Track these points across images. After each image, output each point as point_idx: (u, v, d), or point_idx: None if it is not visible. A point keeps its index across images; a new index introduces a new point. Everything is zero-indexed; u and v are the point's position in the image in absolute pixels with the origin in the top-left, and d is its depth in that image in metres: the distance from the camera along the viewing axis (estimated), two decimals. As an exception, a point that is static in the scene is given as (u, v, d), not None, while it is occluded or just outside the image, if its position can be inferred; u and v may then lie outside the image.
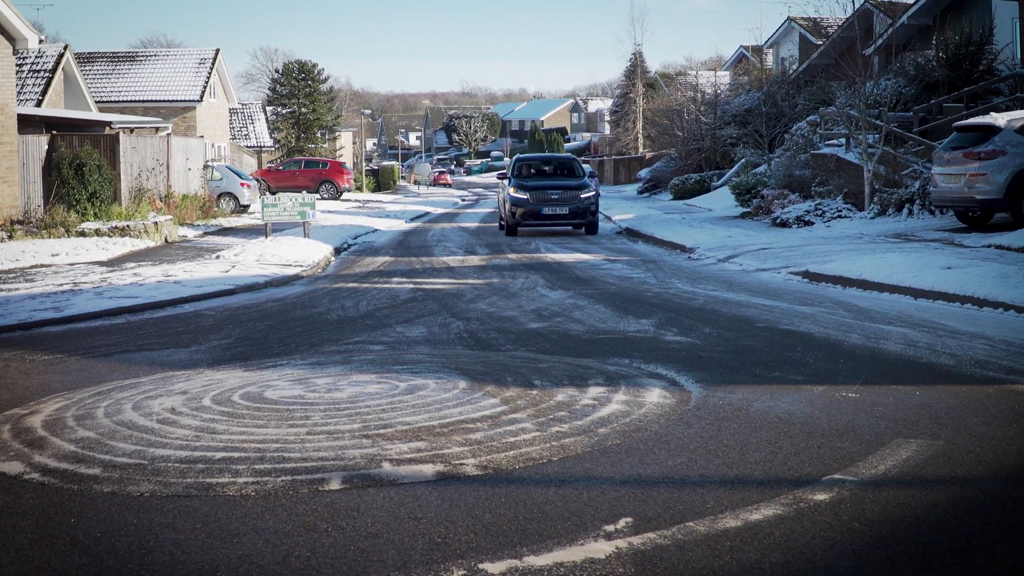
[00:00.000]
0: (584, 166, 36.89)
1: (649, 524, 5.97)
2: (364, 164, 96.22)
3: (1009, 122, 23.22)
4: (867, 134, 30.15)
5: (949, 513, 6.10)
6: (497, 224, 38.96)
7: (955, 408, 8.66)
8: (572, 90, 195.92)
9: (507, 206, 33.18)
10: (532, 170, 35.94)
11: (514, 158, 36.88)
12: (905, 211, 27.73)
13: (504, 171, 37.16)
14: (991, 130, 23.23)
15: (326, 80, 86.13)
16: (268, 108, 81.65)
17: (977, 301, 14.41)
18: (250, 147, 73.39)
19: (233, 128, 70.95)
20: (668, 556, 5.51)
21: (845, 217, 29.27)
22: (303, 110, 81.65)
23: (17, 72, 37.34)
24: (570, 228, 34.47)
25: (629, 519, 6.05)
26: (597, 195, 34.16)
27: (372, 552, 5.67)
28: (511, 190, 32.94)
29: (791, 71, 54.37)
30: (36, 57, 41.79)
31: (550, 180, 33.86)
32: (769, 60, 63.64)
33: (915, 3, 40.08)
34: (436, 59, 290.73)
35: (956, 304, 14.61)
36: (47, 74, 41.19)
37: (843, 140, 33.37)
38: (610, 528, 5.92)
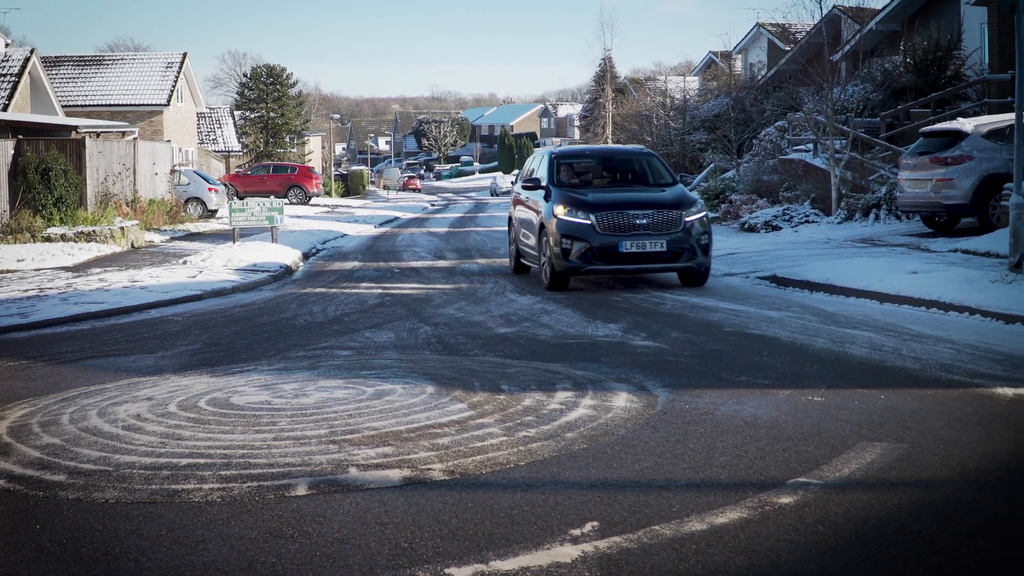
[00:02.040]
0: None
1: (615, 528, 5.98)
2: (333, 169, 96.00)
3: (976, 127, 23.35)
4: (834, 139, 30.28)
5: (913, 516, 6.13)
6: (509, 261, 22.91)
7: (920, 412, 8.70)
8: (542, 95, 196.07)
9: (551, 237, 18.14)
10: (582, 173, 20.59)
11: (546, 152, 20.95)
12: (872, 216, 27.84)
13: (531, 177, 20.48)
14: (958, 135, 23.36)
15: (295, 84, 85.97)
16: (236, 112, 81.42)
17: (943, 305, 14.48)
18: (218, 152, 73.13)
19: (201, 132, 70.71)
20: (634, 560, 5.52)
21: (812, 222, 29.37)
22: (271, 114, 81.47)
23: (-17, 76, 37.19)
24: (663, 272, 19.02)
25: (595, 523, 6.06)
26: (706, 217, 18.44)
27: (338, 558, 5.66)
28: (557, 209, 18.19)
29: (760, 77, 54.54)
30: (2, 61, 41.56)
31: (622, 191, 19.09)
32: (738, 66, 63.84)
33: (883, 9, 40.26)
34: (406, 64, 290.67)
35: (922, 308, 14.67)
36: (13, 78, 40.95)
37: (811, 145, 33.47)
38: (576, 532, 5.93)
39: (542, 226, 18.54)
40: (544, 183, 19.37)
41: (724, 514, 6.18)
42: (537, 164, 20.99)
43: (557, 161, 20.04)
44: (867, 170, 30.35)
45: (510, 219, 22.05)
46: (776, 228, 29.68)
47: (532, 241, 19.59)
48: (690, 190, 25.58)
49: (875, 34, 40.62)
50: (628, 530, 5.94)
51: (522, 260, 21.19)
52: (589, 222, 17.62)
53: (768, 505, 6.34)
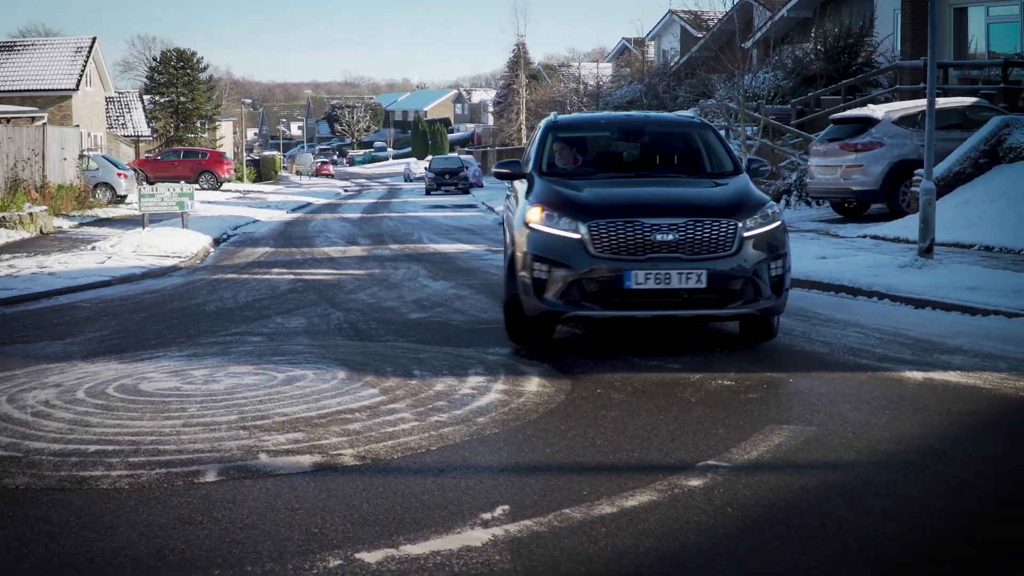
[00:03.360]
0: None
1: (526, 512, 6.01)
2: (245, 154, 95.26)
3: (887, 113, 23.66)
4: (745, 126, 30.55)
5: (821, 497, 6.22)
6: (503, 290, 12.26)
7: (828, 395, 8.83)
8: (456, 80, 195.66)
9: (519, 258, 11.09)
10: (593, 153, 13.57)
11: (544, 122, 13.67)
12: (783, 202, 28.13)
13: (509, 161, 12.96)
14: (868, 122, 23.65)
15: (205, 69, 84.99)
16: (146, 97, 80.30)
17: (852, 290, 14.68)
18: (127, 136, 72.17)
19: (110, 117, 69.74)
20: (544, 542, 5.55)
21: (724, 208, 29.61)
22: (182, 99, 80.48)
23: None
24: (703, 321, 12.02)
25: (506, 507, 6.09)
26: (781, 230, 10.99)
27: (248, 543, 5.63)
28: (531, 212, 11.08)
29: (672, 63, 54.88)
30: (-90, 46, 40.82)
31: (645, 184, 11.98)
32: (651, 52, 64.20)
33: (795, -4, 40.66)
34: (318, 49, 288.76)
35: (831, 293, 14.86)
36: (-77, 64, 40.24)
37: (723, 132, 33.75)
38: (487, 516, 5.95)
39: (514, 240, 11.46)
40: (530, 168, 12.39)
41: (634, 497, 6.23)
42: (532, 138, 13.62)
43: (553, 133, 12.96)
44: (778, 156, 30.68)
45: (503, 223, 14.49)
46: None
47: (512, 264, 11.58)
48: None
49: (787, 21, 41.05)
50: (538, 513, 5.97)
51: (510, 293, 11.55)
52: (577, 236, 10.46)
53: (677, 488, 6.40)
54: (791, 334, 11.67)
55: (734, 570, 5.24)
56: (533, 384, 9.34)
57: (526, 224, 10.94)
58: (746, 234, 10.46)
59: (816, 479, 6.63)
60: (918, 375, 9.54)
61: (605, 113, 17.24)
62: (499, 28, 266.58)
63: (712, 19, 52.12)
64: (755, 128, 30.85)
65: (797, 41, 40.14)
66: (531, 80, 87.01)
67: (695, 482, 6.52)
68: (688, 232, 10.36)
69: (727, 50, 37.21)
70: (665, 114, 15.31)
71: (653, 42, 64.55)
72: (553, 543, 5.55)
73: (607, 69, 68.56)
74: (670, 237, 10.32)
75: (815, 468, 6.87)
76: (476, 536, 5.65)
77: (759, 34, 41.41)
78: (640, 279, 10.29)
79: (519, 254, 10.97)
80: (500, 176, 12.70)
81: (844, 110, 27.92)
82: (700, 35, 52.50)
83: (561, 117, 13.81)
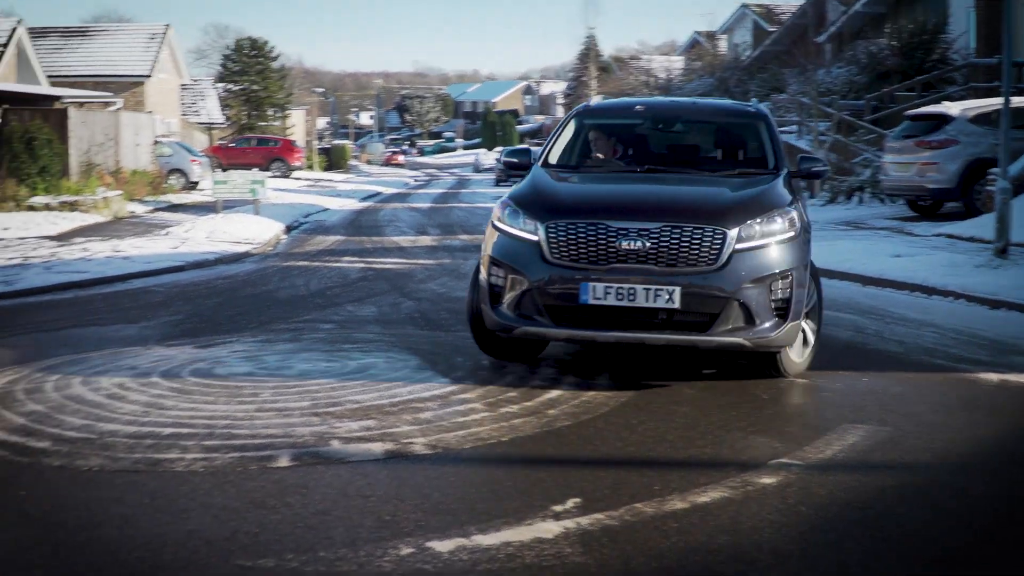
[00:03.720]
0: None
1: (597, 505, 5.99)
2: (316, 143, 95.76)
3: (963, 111, 23.37)
4: (819, 122, 30.30)
5: (896, 499, 6.16)
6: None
7: (902, 395, 8.75)
8: (525, 72, 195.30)
9: (481, 260, 9.55)
10: (623, 145, 11.20)
11: (573, 110, 11.77)
12: (856, 199, 27.91)
13: (518, 149, 11.64)
14: (944, 119, 23.37)
15: (277, 57, 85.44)
16: (219, 85, 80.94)
17: (926, 289, 14.52)
18: (201, 124, 72.70)
19: (184, 104, 70.24)
20: (615, 536, 5.54)
21: (796, 204, 29.41)
22: (254, 87, 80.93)
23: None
24: (680, 345, 9.12)
25: (577, 499, 6.07)
26: (797, 241, 8.97)
27: (320, 529, 5.66)
28: (496, 210, 9.61)
29: (744, 57, 54.56)
30: (-11, 31, 41.28)
31: (651, 181, 10.03)
32: (723, 46, 63.87)
33: (869, -10, 40.28)
34: (390, 38, 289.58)
35: (905, 292, 14.72)
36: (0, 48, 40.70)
37: (795, 127, 33.51)
38: (558, 508, 5.94)
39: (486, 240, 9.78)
40: (538, 157, 10.81)
41: (706, 493, 6.20)
42: (559, 124, 11.65)
43: (580, 120, 11.33)
44: (851, 153, 30.40)
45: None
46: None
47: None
48: None
49: (860, 16, 40.64)
50: (610, 507, 5.95)
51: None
52: (535, 239, 8.89)
53: (750, 485, 6.37)
54: (864, 332, 11.57)
55: (808, 570, 5.21)
56: (603, 377, 9.31)
57: (492, 222, 9.53)
58: (739, 245, 8.57)
59: (891, 480, 6.57)
60: (994, 377, 9.43)
61: (647, 98, 13.80)
62: (569, 20, 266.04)
63: (785, 13, 51.81)
64: (828, 124, 30.57)
65: (871, 36, 39.76)
66: (601, 72, 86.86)
67: (768, 480, 6.48)
68: (662, 239, 8.53)
69: (800, 44, 37.01)
70: (715, 101, 13.63)
71: (725, 36, 64.24)
72: (625, 537, 5.54)
73: (678, 63, 68.26)
74: (639, 244, 8.54)
75: (890, 469, 6.81)
76: (547, 528, 5.65)
77: (833, 28, 41.03)
78: (599, 293, 8.53)
79: (483, 256, 9.46)
80: (509, 167, 11.08)
81: (919, 107, 27.61)
82: (772, 29, 52.18)
83: (596, 103, 11.86)
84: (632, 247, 8.54)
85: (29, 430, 7.62)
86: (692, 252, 8.50)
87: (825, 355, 10.26)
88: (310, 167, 78.34)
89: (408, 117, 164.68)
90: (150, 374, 9.45)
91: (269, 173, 50.23)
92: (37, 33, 55.26)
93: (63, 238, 22.99)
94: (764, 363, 9.26)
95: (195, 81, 75.95)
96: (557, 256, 8.73)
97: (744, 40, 59.27)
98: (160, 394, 8.67)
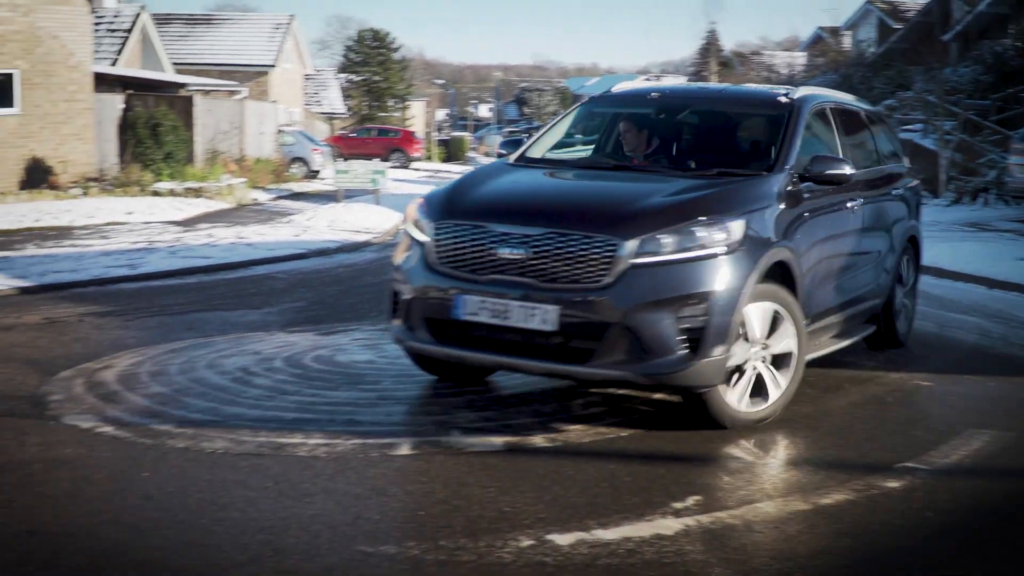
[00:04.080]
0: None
1: (718, 503, 5.96)
2: (435, 134, 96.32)
3: (1093, 114, 22.87)
4: (944, 121, 29.80)
5: (1022, 506, 6.05)
6: None
7: (1029, 400, 8.59)
8: (644, 66, 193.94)
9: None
10: (632, 138, 9.59)
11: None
12: (980, 200, 27.39)
13: (514, 140, 10.48)
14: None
15: (399, 49, 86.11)
16: (341, 75, 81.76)
17: (1053, 294, 14.24)
18: (323, 113, 73.51)
19: (306, 94, 71.08)
20: (737, 535, 5.51)
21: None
22: (376, 78, 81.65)
23: (95, 31, 37.52)
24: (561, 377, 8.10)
25: (698, 497, 6.04)
26: (726, 259, 7.25)
27: (441, 518, 5.70)
28: (409, 208, 8.55)
29: (868, 54, 53.81)
30: (114, 16, 42.01)
31: (579, 180, 9.11)
32: (847, 42, 63.05)
33: (995, -11, 39.53)
34: (509, 31, 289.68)
35: (1031, 296, 14.43)
36: (124, 34, 41.39)
37: (920, 126, 32.97)
38: (678, 505, 5.91)
39: None
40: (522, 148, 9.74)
41: (829, 495, 6.13)
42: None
43: (585, 108, 10.63)
44: (976, 153, 29.84)
45: None
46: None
47: None
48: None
49: (985, 16, 39.88)
50: (731, 506, 5.92)
51: None
52: (424, 241, 7.91)
53: (874, 489, 6.29)
54: (990, 336, 11.37)
55: None
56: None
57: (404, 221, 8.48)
58: (639, 260, 7.06)
59: (1018, 486, 6.45)
60: None
61: (668, 85, 10.47)
62: (691, 14, 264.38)
63: (910, 11, 50.99)
64: (953, 123, 30.03)
65: (996, 36, 39.02)
66: (722, 67, 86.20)
67: (893, 484, 6.39)
68: (543, 248, 7.22)
69: (925, 42, 36.37)
70: (742, 89, 11.37)
71: (849, 32, 63.40)
72: (746, 537, 5.50)
73: (800, 59, 67.52)
74: (520, 253, 7.27)
75: (1016, 475, 6.69)
76: (668, 525, 5.62)
77: (959, 27, 40.32)
78: (471, 308, 7.41)
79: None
80: (500, 158, 9.86)
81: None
82: (897, 26, 51.40)
83: (616, 90, 10.51)
84: (512, 256, 7.30)
85: (154, 412, 7.76)
86: (576, 265, 7.12)
87: (950, 359, 10.11)
88: (429, 158, 78.79)
89: (526, 110, 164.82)
90: (273, 359, 9.56)
91: (388, 163, 50.64)
92: (161, 20, 56.22)
93: (188, 223, 23.37)
94: (692, 407, 7.48)
95: (318, 71, 76.83)
96: (441, 263, 7.67)
97: (869, 36, 58.47)
98: (283, 379, 8.77)
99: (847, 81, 46.62)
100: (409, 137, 66.46)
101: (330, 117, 74.02)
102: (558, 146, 9.85)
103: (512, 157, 9.40)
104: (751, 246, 7.32)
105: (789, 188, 8.06)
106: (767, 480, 6.43)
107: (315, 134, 56.82)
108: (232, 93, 44.55)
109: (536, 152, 9.45)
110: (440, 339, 7.67)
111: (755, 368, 7.46)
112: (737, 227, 7.30)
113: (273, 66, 55.99)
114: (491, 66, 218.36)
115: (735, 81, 72.62)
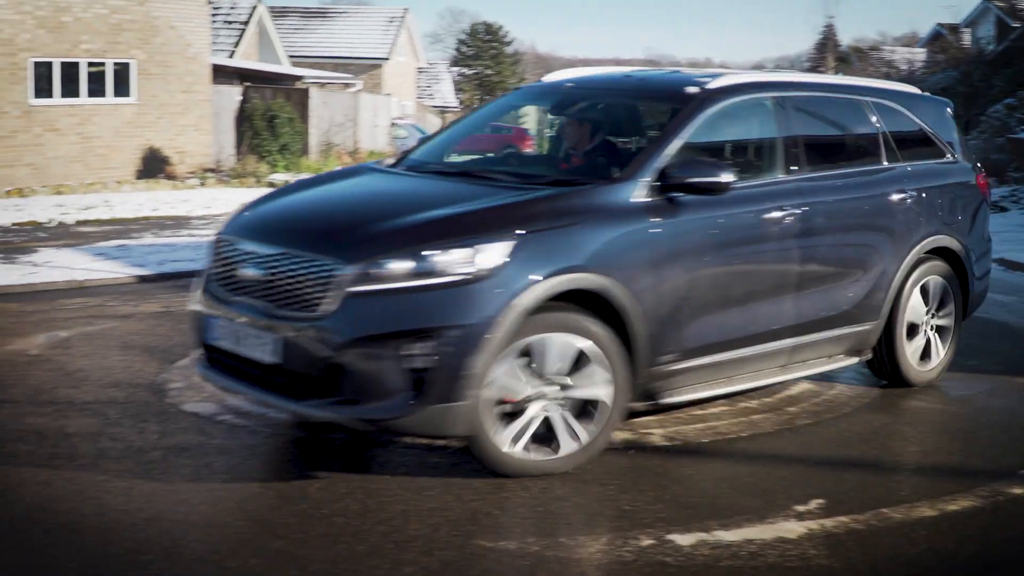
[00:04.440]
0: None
1: (841, 507, 5.87)
2: (546, 131, 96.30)
3: None
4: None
5: None
6: None
7: None
8: (759, 61, 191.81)
9: None
10: (597, 134, 8.08)
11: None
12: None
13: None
14: None
15: (511, 42, 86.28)
16: (454, 69, 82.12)
17: None
18: (435, 107, 73.92)
19: (419, 87, 71.53)
20: (862, 540, 5.42)
21: (1041, 205, 28.42)
22: (488, 72, 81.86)
23: (212, 23, 38.04)
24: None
25: (821, 500, 5.96)
26: (471, 286, 6.02)
27: (560, 515, 5.69)
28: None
29: (987, 51, 52.89)
30: (230, 8, 42.54)
31: (382, 187, 7.68)
32: (966, 39, 62.02)
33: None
34: (622, 25, 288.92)
35: None
36: (241, 26, 41.92)
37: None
38: (801, 508, 5.84)
39: None
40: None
41: (955, 501, 6.02)
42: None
43: (505, 101, 10.59)
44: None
45: None
46: (1003, 209, 28.77)
47: None
48: None
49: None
50: (855, 510, 5.83)
51: None
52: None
53: (1001, 495, 6.16)
54: (1118, 342, 11.10)
55: (1066, 587, 5.02)
56: (845, 375, 9.11)
57: None
58: (362, 287, 5.97)
59: None
60: None
61: (597, 75, 9.14)
62: (808, 8, 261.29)
63: (1028, 11, 50.01)
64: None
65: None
66: (839, 63, 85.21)
67: (1019, 490, 6.26)
68: (278, 270, 6.34)
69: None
70: (658, 76, 9.18)
71: (968, 29, 62.36)
72: (871, 542, 5.41)
73: (920, 55, 66.50)
74: (257, 273, 6.43)
75: None
76: (790, 528, 5.55)
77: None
78: (217, 332, 6.69)
79: None
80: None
81: None
82: (1016, 24, 50.46)
83: (547, 79, 9.32)
84: (252, 276, 6.46)
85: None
86: (303, 291, 6.17)
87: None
88: (540, 154, 78.78)
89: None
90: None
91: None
92: (277, 13, 56.88)
93: (303, 215, 23.59)
94: (477, 453, 6.22)
95: (431, 64, 77.23)
96: (209, 280, 6.91)
97: (987, 34, 57.46)
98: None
99: (967, 79, 45.89)
100: (522, 134, 66.52)
101: (442, 111, 74.32)
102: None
103: (389, 160, 8.52)
104: (519, 271, 6.06)
105: (646, 199, 6.74)
106: (891, 484, 6.32)
107: (427, 127, 57.15)
108: (347, 86, 44.93)
109: (419, 154, 8.61)
110: (211, 364, 6.83)
111: (545, 410, 6.27)
112: (494, 250, 6.07)
113: (387, 59, 56.39)
114: (604, 60, 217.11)
115: (853, 76, 71.67)
